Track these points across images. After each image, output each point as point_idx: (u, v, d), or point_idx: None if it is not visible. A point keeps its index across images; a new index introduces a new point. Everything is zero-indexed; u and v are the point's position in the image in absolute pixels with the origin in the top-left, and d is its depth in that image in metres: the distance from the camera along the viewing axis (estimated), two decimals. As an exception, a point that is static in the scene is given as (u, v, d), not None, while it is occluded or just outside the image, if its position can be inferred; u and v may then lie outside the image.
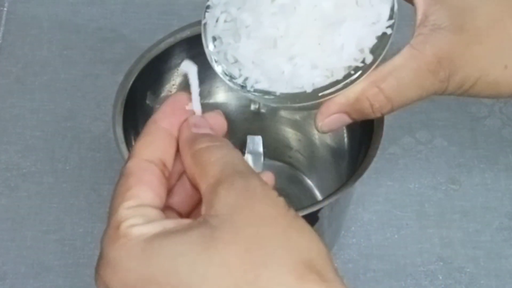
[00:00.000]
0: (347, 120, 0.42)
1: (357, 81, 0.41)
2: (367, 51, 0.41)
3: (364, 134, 0.53)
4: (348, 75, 0.41)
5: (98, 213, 0.69)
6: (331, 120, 0.42)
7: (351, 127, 0.56)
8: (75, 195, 0.70)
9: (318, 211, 0.48)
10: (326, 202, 0.47)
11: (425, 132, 0.75)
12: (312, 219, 0.49)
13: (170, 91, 0.57)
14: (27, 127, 0.74)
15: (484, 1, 0.41)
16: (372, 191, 0.70)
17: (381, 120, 0.51)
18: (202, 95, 0.59)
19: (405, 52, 0.41)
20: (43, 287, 0.65)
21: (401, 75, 0.41)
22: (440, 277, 0.66)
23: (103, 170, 0.71)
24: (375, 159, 0.50)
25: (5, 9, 0.83)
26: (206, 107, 0.61)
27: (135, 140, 0.54)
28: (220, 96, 0.60)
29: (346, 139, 0.58)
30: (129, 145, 0.50)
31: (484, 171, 0.72)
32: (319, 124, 0.42)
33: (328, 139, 0.60)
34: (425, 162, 0.73)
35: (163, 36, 0.55)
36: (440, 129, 0.75)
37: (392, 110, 0.42)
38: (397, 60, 0.41)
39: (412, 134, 0.74)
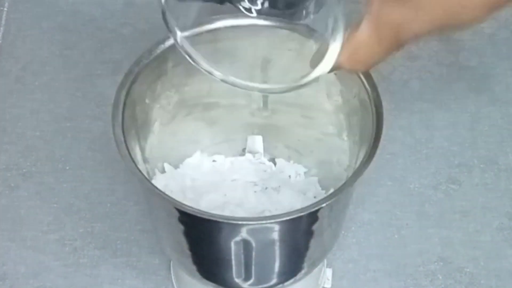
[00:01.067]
0: None
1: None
2: None
3: (364, 134, 0.53)
4: None
5: (98, 213, 0.69)
6: None
7: (351, 127, 0.57)
8: (75, 195, 0.70)
9: (317, 211, 0.48)
10: (326, 202, 0.47)
11: (425, 132, 0.75)
12: (311, 219, 0.49)
13: (170, 91, 0.57)
14: (27, 127, 0.74)
15: None
16: (372, 191, 0.71)
17: (381, 120, 0.51)
18: (201, 94, 0.60)
19: (365, 28, 0.44)
20: (43, 287, 0.65)
21: (368, 49, 0.44)
22: (440, 277, 0.66)
23: (103, 170, 0.71)
24: (375, 159, 0.50)
25: (5, 9, 0.83)
26: (206, 106, 0.61)
27: (135, 140, 0.54)
28: (220, 94, 0.60)
29: (346, 139, 0.58)
30: (128, 145, 0.50)
31: (484, 171, 0.72)
32: None
33: (329, 139, 0.60)
34: (425, 162, 0.73)
35: (163, 36, 0.55)
36: (440, 129, 0.75)
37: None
38: (360, 36, 0.44)
39: (412, 134, 0.74)
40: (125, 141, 0.49)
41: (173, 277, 0.65)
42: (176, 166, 0.61)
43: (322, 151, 0.62)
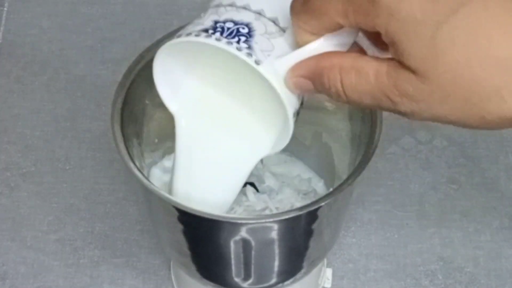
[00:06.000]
0: (312, 88, 0.42)
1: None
2: None
3: (363, 134, 0.53)
4: None
5: (98, 213, 0.69)
6: (298, 82, 0.43)
7: (351, 126, 0.57)
8: (75, 195, 0.70)
9: (317, 210, 0.48)
10: (325, 201, 0.47)
11: (425, 132, 0.75)
12: (311, 218, 0.49)
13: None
14: (27, 127, 0.74)
15: (453, 44, 0.36)
16: (372, 191, 0.71)
17: (380, 120, 0.51)
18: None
19: (377, 67, 0.39)
20: (43, 287, 0.65)
21: (363, 82, 0.40)
22: (440, 277, 0.66)
23: (103, 170, 0.71)
24: (375, 159, 0.50)
25: (5, 9, 0.83)
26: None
27: (134, 139, 0.54)
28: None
29: (346, 139, 0.58)
30: (128, 144, 0.50)
31: (484, 171, 0.72)
32: (289, 81, 0.43)
33: (328, 138, 0.60)
34: (425, 162, 0.73)
35: (163, 36, 0.55)
36: (440, 129, 0.75)
37: (347, 103, 0.41)
38: (369, 67, 0.39)
39: (412, 134, 0.74)
40: (124, 140, 0.49)
41: (173, 277, 0.65)
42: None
43: (322, 151, 0.62)
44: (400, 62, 0.38)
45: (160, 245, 0.63)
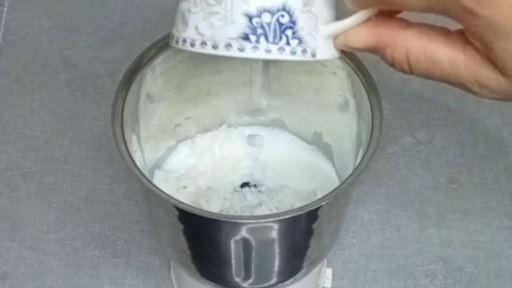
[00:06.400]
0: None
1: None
2: None
3: (364, 134, 0.53)
4: None
5: (98, 213, 0.69)
6: (352, 50, 0.42)
7: (350, 126, 0.57)
8: (75, 195, 0.70)
9: (317, 209, 0.48)
10: (325, 201, 0.47)
11: (425, 132, 0.75)
12: (311, 217, 0.49)
13: (170, 90, 0.57)
14: (27, 127, 0.74)
15: None
16: (372, 191, 0.71)
17: (380, 120, 0.51)
18: (198, 98, 0.59)
19: (451, 56, 0.39)
20: (43, 287, 0.65)
21: (435, 68, 0.39)
22: (440, 277, 0.66)
23: (103, 170, 0.71)
24: (375, 159, 0.50)
25: (5, 9, 0.83)
26: (206, 108, 0.61)
27: (134, 139, 0.54)
28: (220, 96, 0.60)
29: (346, 139, 0.58)
30: (128, 144, 0.50)
31: (484, 171, 0.72)
32: (342, 47, 0.41)
33: (328, 138, 0.60)
34: (425, 162, 0.73)
35: (163, 36, 0.55)
36: (440, 129, 0.75)
37: (409, 74, 0.41)
38: (441, 53, 0.39)
39: (412, 134, 0.74)
40: (124, 140, 0.49)
41: (173, 277, 0.65)
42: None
43: (322, 151, 0.62)
44: (487, 57, 0.37)
45: (160, 245, 0.63)
